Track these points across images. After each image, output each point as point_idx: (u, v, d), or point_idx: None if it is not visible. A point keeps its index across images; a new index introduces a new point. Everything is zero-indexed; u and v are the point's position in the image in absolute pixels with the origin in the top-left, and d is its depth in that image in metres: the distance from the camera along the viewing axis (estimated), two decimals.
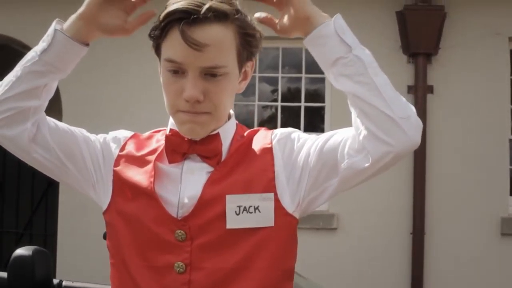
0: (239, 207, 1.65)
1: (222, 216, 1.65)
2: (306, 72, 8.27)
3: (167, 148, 1.72)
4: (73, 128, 1.82)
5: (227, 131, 1.76)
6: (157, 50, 1.70)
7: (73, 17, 1.71)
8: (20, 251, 4.10)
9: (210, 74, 1.62)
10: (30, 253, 4.05)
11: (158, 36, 1.65)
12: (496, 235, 7.63)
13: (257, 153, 1.73)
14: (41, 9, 7.84)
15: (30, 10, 7.97)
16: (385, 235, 7.39)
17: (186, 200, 1.67)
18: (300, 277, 4.40)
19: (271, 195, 1.67)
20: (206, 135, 1.70)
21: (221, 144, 1.71)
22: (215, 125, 1.72)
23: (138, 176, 1.73)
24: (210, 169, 1.70)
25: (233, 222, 1.65)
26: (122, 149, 1.82)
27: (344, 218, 7.65)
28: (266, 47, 8.22)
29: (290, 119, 8.31)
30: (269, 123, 8.44)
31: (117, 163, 1.78)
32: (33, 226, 10.06)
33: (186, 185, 1.69)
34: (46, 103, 1.77)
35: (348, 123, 1.67)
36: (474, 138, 7.76)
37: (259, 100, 8.36)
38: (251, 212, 1.65)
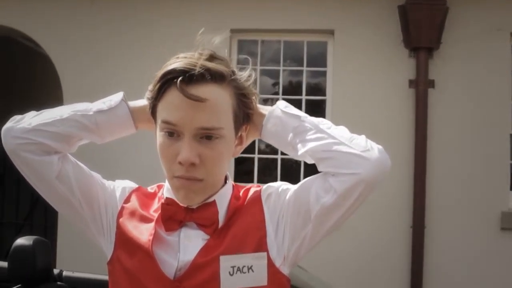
0: (233, 267, 1.65)
1: (216, 277, 1.65)
2: (308, 66, 8.28)
3: (163, 217, 1.71)
4: (92, 172, 1.82)
5: (224, 196, 1.75)
6: (153, 112, 1.69)
7: (145, 104, 1.74)
8: (21, 241, 4.10)
9: (206, 136, 1.61)
10: (31, 242, 4.06)
11: (155, 97, 1.65)
12: (496, 229, 7.63)
13: (250, 212, 1.73)
14: (43, 0, 7.85)
15: (32, 1, 7.98)
16: (385, 229, 7.40)
17: (183, 264, 1.67)
18: (301, 270, 4.42)
19: (264, 254, 1.68)
20: (203, 203, 1.71)
21: (218, 212, 1.71)
22: (211, 191, 1.71)
23: (139, 233, 1.73)
24: (207, 236, 1.70)
25: (227, 282, 1.65)
26: (127, 201, 1.82)
27: None
28: (267, 40, 8.27)
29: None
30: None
31: (120, 214, 1.79)
32: (33, 217, 10.07)
33: (185, 251, 1.68)
34: (71, 152, 1.77)
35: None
36: (474, 132, 7.76)
37: (260, 93, 8.33)
38: (244, 272, 1.65)
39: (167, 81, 1.60)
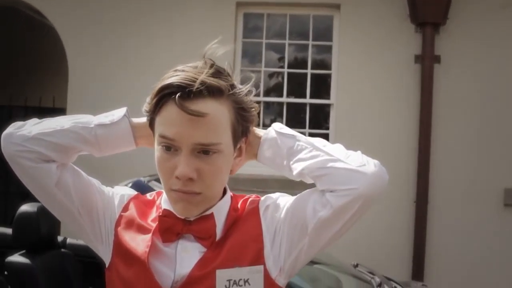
0: (229, 281, 1.64)
1: None
2: (313, 40, 8.26)
3: (160, 228, 1.70)
4: (91, 179, 1.81)
5: (222, 209, 1.73)
6: (151, 125, 1.67)
7: (147, 121, 1.72)
8: (25, 207, 4.13)
9: (203, 151, 1.59)
10: (35, 209, 4.09)
11: (152, 110, 1.63)
12: (499, 205, 7.65)
13: (247, 224, 1.72)
14: None
15: None
16: (389, 203, 7.40)
17: (180, 277, 1.65)
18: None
19: (261, 267, 1.66)
20: (200, 216, 1.69)
21: (215, 226, 1.69)
22: (209, 204, 1.69)
23: (136, 244, 1.71)
24: (204, 249, 1.68)
25: None
26: (125, 209, 1.80)
27: None
28: (273, 13, 8.25)
29: (296, 87, 8.31)
30: (275, 91, 8.44)
31: (118, 223, 1.78)
32: None
33: (181, 263, 1.67)
34: (69, 162, 1.76)
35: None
36: (479, 109, 7.75)
37: (265, 67, 8.35)
38: (240, 285, 1.64)
39: (164, 95, 1.58)
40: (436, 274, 7.55)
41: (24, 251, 4.10)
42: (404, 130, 7.80)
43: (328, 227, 1.66)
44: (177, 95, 1.53)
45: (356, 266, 4.28)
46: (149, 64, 7.65)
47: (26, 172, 1.71)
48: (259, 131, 1.78)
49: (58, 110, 8.71)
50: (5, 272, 3.97)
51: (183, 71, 1.60)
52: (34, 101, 8.99)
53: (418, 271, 7.55)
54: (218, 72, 1.62)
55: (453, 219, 7.69)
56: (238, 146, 1.71)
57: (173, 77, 1.58)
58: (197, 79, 1.55)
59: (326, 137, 8.02)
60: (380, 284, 3.64)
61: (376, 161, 1.66)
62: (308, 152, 1.67)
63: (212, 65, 1.62)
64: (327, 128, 8.13)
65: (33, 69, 10.86)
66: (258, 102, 8.17)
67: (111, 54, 8.10)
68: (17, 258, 3.99)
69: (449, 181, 7.73)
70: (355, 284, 3.64)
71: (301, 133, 1.76)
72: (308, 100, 8.21)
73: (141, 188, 2.75)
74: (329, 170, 1.63)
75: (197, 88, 1.54)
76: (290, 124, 8.16)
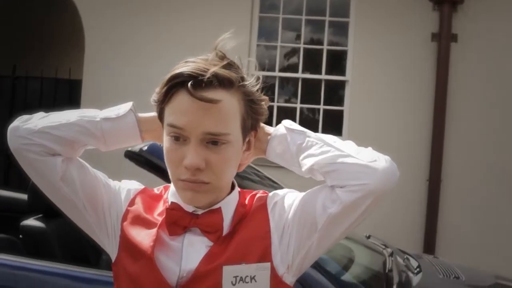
0: (236, 277, 1.63)
1: (218, 286, 1.63)
2: (330, 16, 8.24)
3: (167, 221, 1.69)
4: (98, 173, 1.81)
5: (229, 204, 1.72)
6: (161, 115, 1.67)
7: (155, 116, 1.72)
8: None
9: (212, 142, 1.58)
10: None
11: (162, 100, 1.62)
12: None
13: (255, 221, 1.71)
14: None
15: None
16: (402, 181, 7.39)
17: (186, 271, 1.65)
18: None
19: (268, 264, 1.65)
20: (208, 210, 1.68)
21: (222, 220, 1.68)
22: (217, 195, 1.69)
23: (141, 239, 1.71)
24: (210, 243, 1.67)
25: None
26: (131, 204, 1.79)
27: None
28: None
29: (312, 64, 8.30)
30: (291, 68, 8.44)
31: (125, 218, 1.77)
32: None
33: (187, 257, 1.67)
34: (75, 157, 1.76)
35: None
36: (495, 89, 7.71)
37: (281, 42, 8.36)
38: (247, 282, 1.64)
39: (175, 85, 1.58)
40: (447, 251, 7.55)
41: (39, 215, 4.13)
42: (419, 108, 7.78)
43: (338, 224, 1.64)
44: (190, 83, 1.53)
45: (368, 237, 4.29)
46: (166, 45, 7.69)
47: (31, 165, 1.70)
48: (269, 128, 1.77)
49: (74, 82, 8.75)
50: (20, 236, 4.01)
51: (194, 62, 1.60)
52: (50, 73, 9.01)
53: (429, 248, 7.59)
54: (228, 65, 1.62)
55: (465, 198, 7.69)
56: (247, 139, 1.71)
57: (184, 67, 1.58)
58: (208, 69, 1.55)
59: (340, 113, 8.03)
60: (391, 254, 3.65)
61: (387, 157, 1.63)
62: (319, 148, 1.66)
63: (223, 57, 1.62)
64: (342, 105, 8.13)
65: (49, 41, 10.90)
66: (274, 77, 8.23)
67: (128, 30, 8.11)
68: (32, 222, 4.02)
69: (463, 160, 7.73)
70: (367, 253, 3.65)
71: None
72: (323, 76, 8.20)
73: (156, 151, 2.76)
74: (339, 165, 1.61)
75: (208, 78, 1.54)
76: (305, 100, 8.18)
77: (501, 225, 7.62)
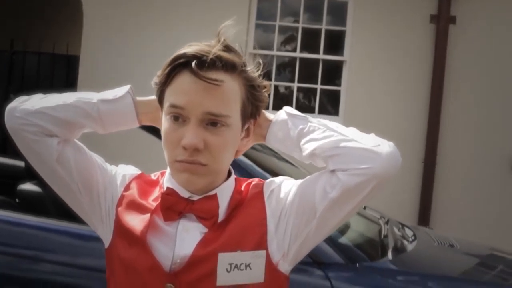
0: (231, 264, 1.63)
1: (213, 273, 1.63)
2: None
3: (162, 206, 1.68)
4: (94, 157, 1.80)
5: (226, 190, 1.72)
6: (160, 98, 1.67)
7: (152, 99, 1.73)
8: None
9: (212, 123, 1.58)
10: None
11: (163, 81, 1.63)
12: (506, 169, 7.67)
13: (251, 208, 1.70)
14: None
15: None
16: None
17: (179, 257, 1.65)
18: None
19: (263, 252, 1.65)
20: (204, 196, 1.68)
21: (218, 206, 1.68)
22: (213, 179, 1.68)
23: (135, 223, 1.71)
24: (205, 229, 1.67)
25: (223, 279, 1.63)
26: (126, 189, 1.79)
27: None
28: None
29: (310, 43, 8.30)
30: (289, 43, 8.44)
31: (120, 202, 1.76)
32: None
33: (181, 243, 1.66)
34: (72, 139, 1.76)
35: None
36: (492, 71, 7.74)
37: (279, 21, 8.37)
38: (242, 269, 1.63)
39: (178, 65, 1.58)
40: (442, 226, 7.57)
41: (35, 181, 4.14)
42: (416, 89, 7.80)
43: (337, 209, 1.63)
44: (194, 62, 1.54)
45: (364, 208, 4.32)
46: (165, 24, 7.71)
47: (27, 146, 1.69)
48: (269, 114, 1.77)
49: (72, 57, 8.74)
50: (17, 200, 4.02)
51: (197, 45, 1.60)
52: (48, 48, 9.01)
53: (424, 221, 7.64)
54: (231, 50, 1.63)
55: (459, 179, 7.72)
56: (246, 126, 1.71)
57: (187, 49, 1.58)
58: (211, 51, 1.56)
59: (337, 93, 8.04)
60: (387, 222, 3.67)
61: (390, 143, 1.62)
62: (321, 133, 1.65)
63: (225, 43, 1.62)
64: (339, 85, 8.14)
65: (48, 17, 10.86)
66: (271, 56, 8.24)
67: (127, 5, 8.10)
68: (28, 186, 4.03)
69: (458, 142, 7.75)
70: (363, 221, 3.67)
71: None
72: (321, 56, 8.20)
73: None
74: (343, 149, 1.61)
75: (212, 59, 1.55)
76: (302, 79, 8.19)
77: (497, 207, 7.68)
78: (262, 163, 3.27)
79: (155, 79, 1.66)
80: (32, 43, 9.10)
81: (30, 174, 4.18)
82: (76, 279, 2.98)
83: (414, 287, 2.87)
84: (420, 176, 7.75)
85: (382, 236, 3.38)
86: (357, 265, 2.87)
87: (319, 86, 8.12)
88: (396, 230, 3.76)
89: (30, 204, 3.96)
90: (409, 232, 3.88)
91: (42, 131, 1.67)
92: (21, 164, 4.43)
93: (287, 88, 8.31)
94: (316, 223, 1.65)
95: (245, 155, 2.93)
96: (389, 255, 3.17)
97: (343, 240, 3.04)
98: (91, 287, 2.89)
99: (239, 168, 2.84)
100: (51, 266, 3.02)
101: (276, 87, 8.21)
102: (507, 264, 3.65)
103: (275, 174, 2.49)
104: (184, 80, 1.57)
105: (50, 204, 3.99)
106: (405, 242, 3.57)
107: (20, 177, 4.40)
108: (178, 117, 1.59)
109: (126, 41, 7.89)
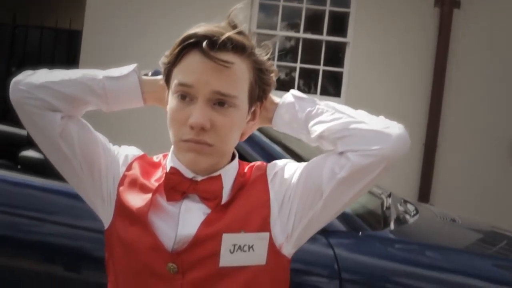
0: (234, 245, 1.63)
1: (216, 254, 1.63)
2: None
3: (166, 186, 1.68)
4: (98, 136, 1.80)
5: (230, 172, 1.72)
6: (167, 77, 1.66)
7: (158, 79, 1.73)
8: None
9: (219, 103, 1.58)
10: None
11: (172, 61, 1.62)
12: (507, 155, 7.68)
13: (254, 190, 1.71)
14: None
15: None
16: None
17: (182, 237, 1.64)
18: None
19: (267, 234, 1.65)
20: (208, 176, 1.68)
21: (222, 187, 1.67)
22: (218, 161, 1.68)
23: (137, 203, 1.70)
24: (208, 210, 1.67)
25: (226, 260, 1.63)
26: (128, 168, 1.78)
27: None
28: None
29: (313, 24, 8.29)
30: (292, 28, 8.43)
31: (121, 182, 1.76)
32: None
33: (184, 223, 1.66)
34: (76, 116, 1.75)
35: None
36: (496, 57, 7.73)
37: (283, 1, 8.35)
38: (245, 251, 1.63)
39: (189, 45, 1.58)
40: (441, 203, 7.59)
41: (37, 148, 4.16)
42: (419, 72, 7.80)
43: (345, 190, 1.64)
44: (205, 42, 1.54)
45: None
46: (169, 3, 7.65)
47: (30, 119, 1.69)
48: (275, 98, 1.77)
49: (75, 32, 8.73)
50: (19, 166, 4.03)
51: (207, 26, 1.60)
52: (51, 22, 9.00)
53: (424, 198, 7.68)
54: (241, 33, 1.63)
55: (460, 164, 7.72)
56: (253, 109, 1.71)
57: (198, 29, 1.58)
58: (222, 33, 1.56)
59: (340, 75, 8.03)
60: (389, 195, 3.68)
61: (400, 125, 1.64)
62: (330, 115, 1.65)
63: (235, 26, 1.62)
64: (342, 67, 8.12)
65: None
66: (274, 36, 8.21)
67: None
68: (30, 153, 4.04)
69: (460, 126, 7.75)
70: (366, 195, 3.68)
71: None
72: (324, 37, 8.19)
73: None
74: (352, 131, 1.61)
75: (223, 40, 1.55)
76: (305, 60, 8.18)
77: (496, 191, 7.71)
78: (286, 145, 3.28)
79: (163, 59, 1.65)
80: (34, 17, 9.09)
81: (32, 141, 4.20)
82: (78, 241, 2.98)
83: (413, 255, 2.89)
84: (420, 158, 7.75)
85: (385, 208, 3.39)
86: (360, 233, 2.88)
87: (321, 67, 8.11)
88: (398, 204, 3.77)
89: (32, 170, 3.96)
90: (411, 207, 3.90)
91: (45, 105, 1.67)
92: (24, 132, 4.44)
93: (289, 71, 8.30)
94: (321, 205, 1.66)
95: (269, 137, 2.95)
96: (391, 226, 3.19)
97: (347, 209, 3.04)
98: (94, 249, 2.89)
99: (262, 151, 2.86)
100: (54, 227, 3.02)
101: (278, 66, 8.19)
102: (510, 241, 3.66)
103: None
104: (193, 60, 1.57)
105: (52, 171, 4.00)
106: (407, 216, 3.59)
107: (22, 144, 4.42)
108: (185, 96, 1.59)
109: (129, 16, 7.86)
